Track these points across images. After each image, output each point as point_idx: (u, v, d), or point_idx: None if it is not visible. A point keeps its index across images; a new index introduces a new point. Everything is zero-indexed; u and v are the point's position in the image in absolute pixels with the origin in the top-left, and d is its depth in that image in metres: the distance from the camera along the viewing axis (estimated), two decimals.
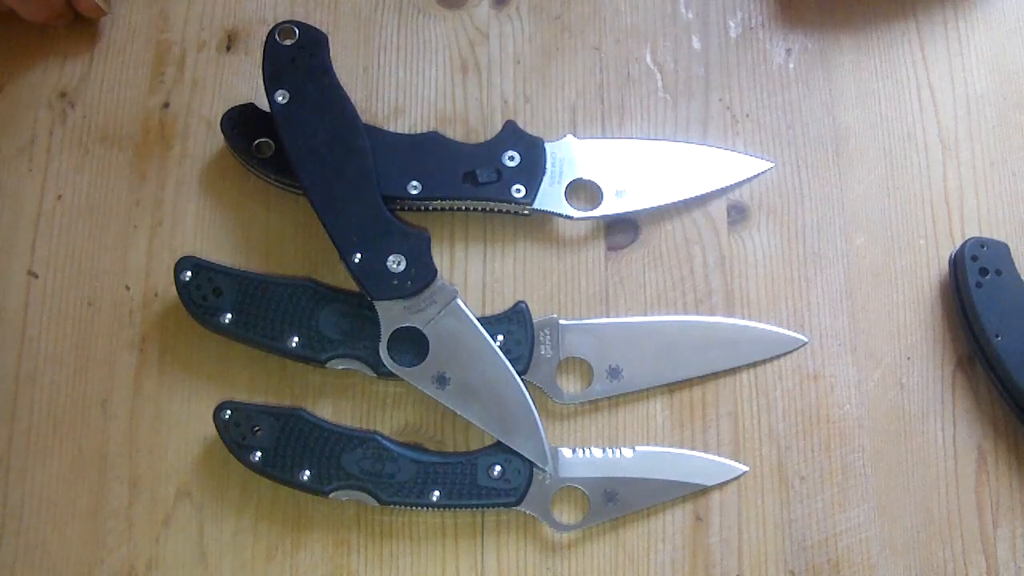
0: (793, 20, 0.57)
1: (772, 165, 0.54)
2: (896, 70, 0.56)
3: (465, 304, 0.48)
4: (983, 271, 0.51)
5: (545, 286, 0.52)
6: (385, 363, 0.48)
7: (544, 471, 0.48)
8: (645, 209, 0.53)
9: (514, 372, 0.48)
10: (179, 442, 0.50)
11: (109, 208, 0.53)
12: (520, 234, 0.53)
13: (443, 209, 0.52)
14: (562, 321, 0.50)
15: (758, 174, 0.54)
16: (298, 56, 0.49)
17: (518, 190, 0.51)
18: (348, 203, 0.48)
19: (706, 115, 0.55)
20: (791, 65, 0.56)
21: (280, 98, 0.49)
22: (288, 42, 0.50)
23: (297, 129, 0.49)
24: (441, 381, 0.48)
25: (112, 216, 0.53)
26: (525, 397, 0.48)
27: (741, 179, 0.54)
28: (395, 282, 0.48)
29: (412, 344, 0.48)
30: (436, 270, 0.48)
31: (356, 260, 0.48)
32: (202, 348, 0.51)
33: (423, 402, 0.50)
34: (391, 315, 0.48)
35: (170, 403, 0.50)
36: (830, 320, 0.52)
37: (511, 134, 0.52)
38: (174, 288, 0.50)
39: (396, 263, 0.48)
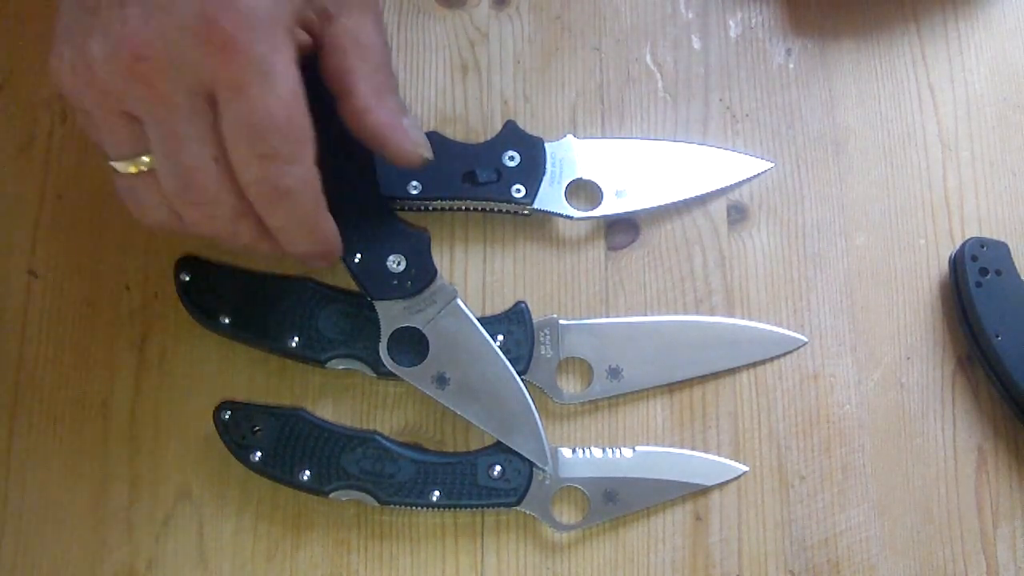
0: (793, 20, 0.57)
1: (772, 165, 0.54)
2: (896, 70, 0.56)
3: (465, 304, 0.48)
4: (983, 271, 0.51)
5: (545, 286, 0.52)
6: (385, 363, 0.48)
7: (544, 471, 0.48)
8: (645, 209, 0.53)
9: (514, 372, 0.48)
10: (179, 442, 0.50)
11: (109, 208, 0.53)
12: (520, 234, 0.53)
13: (443, 209, 0.52)
14: (562, 321, 0.50)
15: (758, 174, 0.54)
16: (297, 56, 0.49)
17: (518, 190, 0.51)
18: (348, 203, 0.48)
19: (706, 115, 0.55)
20: (791, 65, 0.56)
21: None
22: None
23: None
24: (441, 381, 0.48)
25: (112, 216, 0.53)
26: (525, 397, 0.48)
27: (741, 179, 0.54)
28: (395, 282, 0.48)
29: (412, 344, 0.48)
30: (436, 270, 0.48)
31: (356, 260, 0.48)
32: (202, 348, 0.51)
33: (423, 402, 0.50)
34: (391, 315, 0.48)
35: (170, 403, 0.50)
36: (830, 320, 0.52)
37: (511, 134, 0.52)
38: (174, 288, 0.50)
39: (396, 263, 0.48)
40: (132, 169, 0.41)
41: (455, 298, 0.48)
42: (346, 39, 0.43)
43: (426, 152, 0.46)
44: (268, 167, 0.39)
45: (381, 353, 0.48)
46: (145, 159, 0.40)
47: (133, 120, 0.39)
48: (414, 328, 0.48)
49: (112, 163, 0.41)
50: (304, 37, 0.41)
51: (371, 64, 0.44)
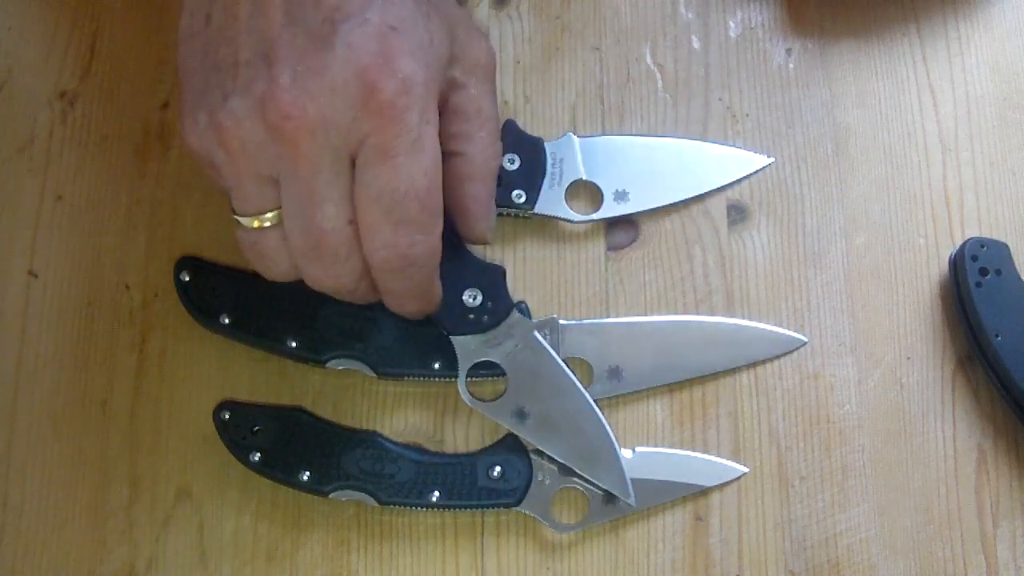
0: (793, 20, 0.57)
1: (772, 160, 0.54)
2: (896, 70, 0.56)
3: (542, 337, 0.48)
4: (983, 271, 0.51)
5: (545, 286, 0.52)
6: (464, 399, 0.48)
7: (628, 503, 0.48)
8: (646, 209, 0.53)
9: (594, 404, 0.48)
10: (179, 442, 0.50)
11: (109, 208, 0.53)
12: (520, 235, 0.53)
13: None
14: (562, 321, 0.50)
15: (758, 169, 0.54)
16: None
17: (519, 195, 0.51)
18: None
19: (706, 115, 0.55)
20: (791, 65, 0.56)
21: None
22: None
23: None
24: (521, 415, 0.47)
25: (112, 216, 0.53)
26: (606, 430, 0.48)
27: (742, 175, 0.54)
28: (471, 316, 0.47)
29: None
30: (513, 303, 0.48)
31: None
32: (202, 348, 0.51)
33: (423, 402, 0.50)
34: (468, 349, 0.47)
35: (170, 403, 0.50)
36: (830, 320, 0.52)
37: (510, 134, 0.52)
38: (174, 288, 0.50)
39: (472, 297, 0.47)
40: (256, 224, 0.40)
41: (533, 331, 0.48)
42: (470, 106, 0.44)
43: (490, 237, 0.47)
44: (401, 234, 0.39)
45: (460, 389, 0.47)
46: (270, 214, 0.40)
47: (265, 179, 0.39)
48: (492, 362, 0.48)
49: (236, 217, 0.41)
50: None
51: (489, 135, 0.45)
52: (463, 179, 0.45)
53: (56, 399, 0.50)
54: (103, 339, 0.51)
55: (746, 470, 0.50)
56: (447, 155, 0.43)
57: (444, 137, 0.42)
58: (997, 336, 0.50)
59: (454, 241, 0.48)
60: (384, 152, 0.38)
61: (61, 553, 0.48)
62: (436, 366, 0.49)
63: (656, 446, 0.50)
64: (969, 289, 0.50)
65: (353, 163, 0.38)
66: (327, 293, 0.42)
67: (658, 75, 0.56)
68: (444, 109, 0.43)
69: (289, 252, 0.41)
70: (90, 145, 0.54)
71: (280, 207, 0.40)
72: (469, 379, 0.48)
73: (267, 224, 0.40)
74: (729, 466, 0.50)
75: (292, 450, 0.48)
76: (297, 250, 0.40)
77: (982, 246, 0.51)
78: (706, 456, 0.50)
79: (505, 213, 0.52)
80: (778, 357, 0.52)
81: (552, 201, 0.52)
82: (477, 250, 0.52)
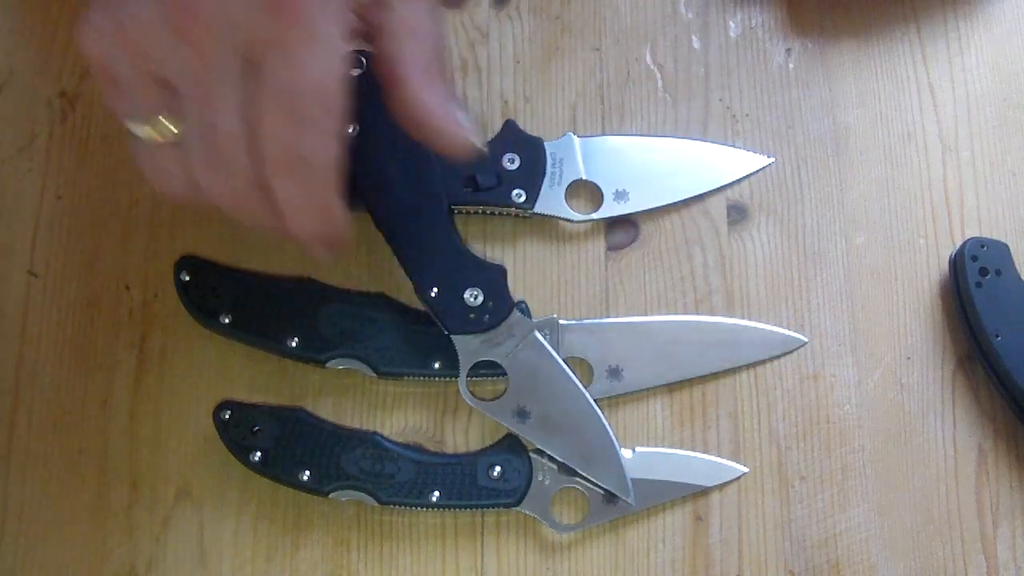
0: (793, 20, 0.57)
1: (772, 160, 0.54)
2: (896, 70, 0.56)
3: (543, 337, 0.48)
4: (983, 271, 0.51)
5: (545, 286, 0.52)
6: (465, 399, 0.48)
7: (628, 502, 0.48)
8: (646, 209, 0.53)
9: (594, 404, 0.48)
10: (179, 442, 0.50)
11: (109, 208, 0.53)
12: (520, 234, 0.53)
13: None
14: (562, 321, 0.50)
15: (759, 169, 0.54)
16: (366, 87, 0.45)
17: (519, 195, 0.51)
18: (424, 237, 0.48)
19: (706, 115, 0.55)
20: (791, 65, 0.56)
21: (349, 130, 0.47)
22: (355, 72, 0.48)
23: (368, 163, 0.48)
24: (522, 415, 0.48)
25: (112, 216, 0.53)
26: (606, 430, 0.48)
27: (742, 175, 0.54)
28: (472, 316, 0.47)
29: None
30: (513, 303, 0.48)
31: (433, 294, 0.47)
32: (202, 348, 0.51)
33: (423, 402, 0.50)
34: (469, 349, 0.48)
35: (170, 403, 0.50)
36: (830, 320, 0.52)
37: (510, 134, 0.52)
38: (174, 288, 0.50)
39: (473, 296, 0.47)
40: (156, 136, 0.40)
41: (533, 331, 0.48)
42: (399, 26, 0.42)
43: (478, 142, 0.43)
44: (298, 132, 0.38)
45: (461, 389, 0.48)
46: (172, 128, 0.40)
47: (165, 83, 0.39)
48: (492, 362, 0.48)
49: (134, 129, 0.40)
50: (357, 22, 0.40)
51: (423, 53, 0.42)
52: (410, 102, 0.42)
53: (56, 399, 0.50)
54: (103, 339, 0.51)
55: (746, 470, 0.50)
56: (387, 86, 0.42)
57: (378, 66, 0.42)
58: (997, 336, 0.50)
59: (455, 240, 0.48)
60: (284, 49, 0.37)
61: (61, 553, 0.48)
62: (436, 366, 0.49)
63: (656, 446, 0.50)
64: (969, 289, 0.50)
65: (254, 66, 0.38)
66: (225, 210, 0.41)
67: (658, 75, 0.56)
68: (374, 35, 0.41)
69: (186, 166, 0.40)
70: (90, 145, 0.54)
71: (175, 116, 0.39)
72: (470, 379, 0.48)
73: (164, 136, 0.40)
74: (729, 466, 0.50)
75: (292, 450, 0.48)
76: (194, 158, 0.40)
77: (982, 246, 0.51)
78: (706, 456, 0.50)
79: (505, 213, 0.52)
80: (778, 357, 0.52)
81: (552, 201, 0.52)
82: (478, 250, 0.52)
